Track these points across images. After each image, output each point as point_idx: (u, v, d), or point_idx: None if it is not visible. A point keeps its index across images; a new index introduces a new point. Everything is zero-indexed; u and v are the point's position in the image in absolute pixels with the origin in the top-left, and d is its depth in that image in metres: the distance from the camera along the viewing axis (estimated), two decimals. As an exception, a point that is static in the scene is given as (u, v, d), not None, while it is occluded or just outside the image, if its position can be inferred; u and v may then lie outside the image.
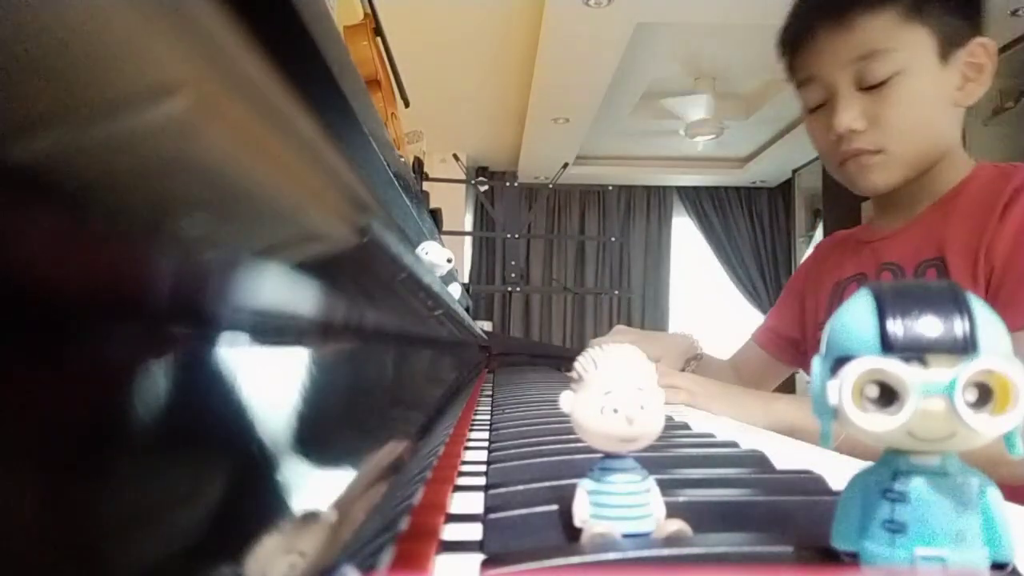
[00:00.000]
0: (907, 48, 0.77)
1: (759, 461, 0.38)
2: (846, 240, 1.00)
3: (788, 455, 0.44)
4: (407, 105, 1.15)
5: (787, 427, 0.69)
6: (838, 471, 0.32)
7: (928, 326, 0.17)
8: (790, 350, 1.07)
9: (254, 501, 0.15)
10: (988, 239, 0.74)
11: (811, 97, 0.84)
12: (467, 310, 1.37)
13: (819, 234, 4.07)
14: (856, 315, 0.18)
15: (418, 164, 1.53)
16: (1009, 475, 0.52)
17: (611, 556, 0.20)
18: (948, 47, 0.78)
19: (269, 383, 0.18)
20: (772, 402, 0.79)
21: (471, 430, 0.55)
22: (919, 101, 0.78)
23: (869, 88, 0.78)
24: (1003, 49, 2.65)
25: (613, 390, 0.22)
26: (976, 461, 0.18)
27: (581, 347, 0.23)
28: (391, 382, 0.37)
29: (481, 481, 0.34)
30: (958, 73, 0.79)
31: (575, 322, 4.78)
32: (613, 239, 2.90)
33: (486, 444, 0.46)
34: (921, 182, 0.84)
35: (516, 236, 2.46)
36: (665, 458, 0.37)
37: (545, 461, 0.36)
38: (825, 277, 0.98)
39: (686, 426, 0.57)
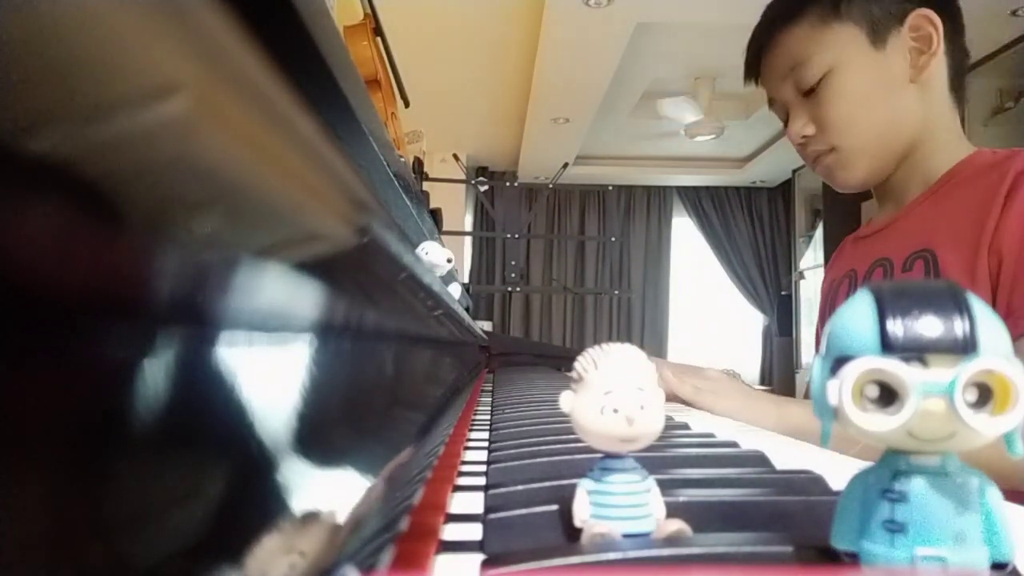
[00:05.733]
0: (830, 48, 0.80)
1: (759, 461, 0.38)
2: (851, 239, 0.99)
3: (788, 455, 0.44)
4: (407, 105, 1.15)
5: (797, 430, 0.67)
6: (838, 471, 0.32)
7: (928, 326, 0.17)
8: None
9: (254, 501, 0.15)
10: (991, 229, 0.70)
11: (778, 115, 0.91)
12: (467, 310, 1.36)
13: (819, 234, 4.07)
14: (856, 315, 0.17)
15: (418, 164, 1.52)
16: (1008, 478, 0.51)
17: (611, 556, 0.20)
18: (880, 32, 0.79)
19: (269, 383, 0.18)
20: (784, 405, 0.78)
21: (471, 430, 0.55)
22: (854, 93, 0.81)
23: (808, 93, 0.83)
24: (1003, 49, 2.64)
25: (613, 390, 0.22)
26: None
27: (581, 347, 0.23)
28: (391, 382, 0.37)
29: (481, 481, 0.34)
30: (902, 52, 0.80)
31: (575, 322, 4.78)
32: (613, 239, 2.91)
33: (486, 444, 0.46)
34: (908, 168, 0.83)
35: (516, 236, 2.46)
36: (665, 458, 0.37)
37: (545, 461, 0.35)
38: (834, 279, 0.97)
39: (686, 426, 0.57)
